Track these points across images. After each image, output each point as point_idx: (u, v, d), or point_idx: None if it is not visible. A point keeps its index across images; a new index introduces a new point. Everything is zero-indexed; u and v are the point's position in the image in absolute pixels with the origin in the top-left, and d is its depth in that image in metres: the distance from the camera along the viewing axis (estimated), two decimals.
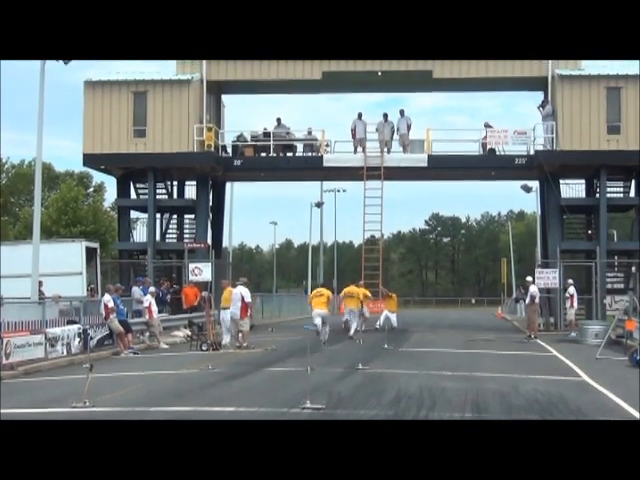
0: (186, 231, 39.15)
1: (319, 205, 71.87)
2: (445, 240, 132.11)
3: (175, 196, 39.18)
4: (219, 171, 36.45)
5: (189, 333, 27.29)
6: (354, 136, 36.48)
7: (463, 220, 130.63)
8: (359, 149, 36.53)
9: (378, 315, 34.01)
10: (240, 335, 25.34)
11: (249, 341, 25.35)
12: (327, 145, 37.25)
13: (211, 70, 35.90)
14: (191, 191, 38.21)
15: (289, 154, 37.26)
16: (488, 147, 35.70)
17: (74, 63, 25.60)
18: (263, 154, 37.01)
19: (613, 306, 33.07)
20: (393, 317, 33.84)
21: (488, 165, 36.19)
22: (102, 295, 26.17)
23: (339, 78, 36.51)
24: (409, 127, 36.39)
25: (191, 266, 33.78)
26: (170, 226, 39.29)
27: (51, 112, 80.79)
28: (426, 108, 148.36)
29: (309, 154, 37.05)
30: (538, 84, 36.23)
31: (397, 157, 36.22)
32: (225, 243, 48.65)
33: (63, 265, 29.71)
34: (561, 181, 35.90)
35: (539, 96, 36.87)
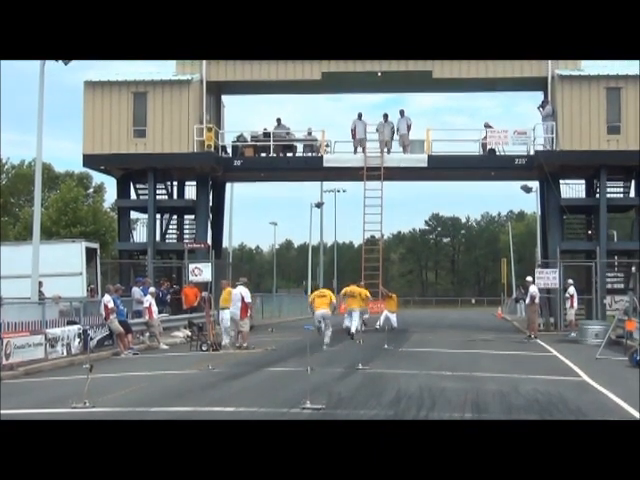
0: (186, 231, 39.17)
1: (319, 205, 71.91)
2: (445, 240, 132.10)
3: (175, 196, 39.20)
4: (219, 171, 36.46)
5: (189, 333, 27.28)
6: (354, 136, 36.50)
7: (463, 220, 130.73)
8: (359, 149, 36.53)
9: (378, 315, 34.01)
10: (240, 335, 25.35)
11: (249, 341, 25.36)
12: (327, 145, 37.28)
13: (211, 70, 35.91)
14: (191, 191, 38.23)
15: (289, 154, 37.27)
16: (488, 147, 35.71)
17: (74, 64, 25.59)
18: (263, 154, 37.02)
19: (613, 306, 33.08)
20: (393, 317, 33.85)
21: (488, 165, 36.20)
22: (102, 296, 26.17)
23: (339, 78, 36.53)
24: (409, 127, 36.40)
25: (191, 266, 33.80)
26: (170, 226, 39.31)
27: (51, 113, 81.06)
28: (426, 108, 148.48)
29: (309, 154, 37.06)
30: (538, 84, 36.25)
31: (397, 157, 36.24)
32: (225, 243, 48.69)
33: (63, 266, 29.70)
34: (561, 181, 35.91)
35: (539, 96, 36.90)
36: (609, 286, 34.95)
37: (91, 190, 68.91)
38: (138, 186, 37.39)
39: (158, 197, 36.87)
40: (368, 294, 31.96)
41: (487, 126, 36.33)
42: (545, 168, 33.88)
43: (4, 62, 34.46)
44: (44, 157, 31.28)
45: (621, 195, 36.85)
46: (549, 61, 34.08)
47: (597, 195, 35.40)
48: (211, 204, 38.00)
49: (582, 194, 37.34)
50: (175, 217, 39.34)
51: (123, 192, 37.60)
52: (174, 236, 39.25)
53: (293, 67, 35.69)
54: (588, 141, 33.83)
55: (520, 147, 35.83)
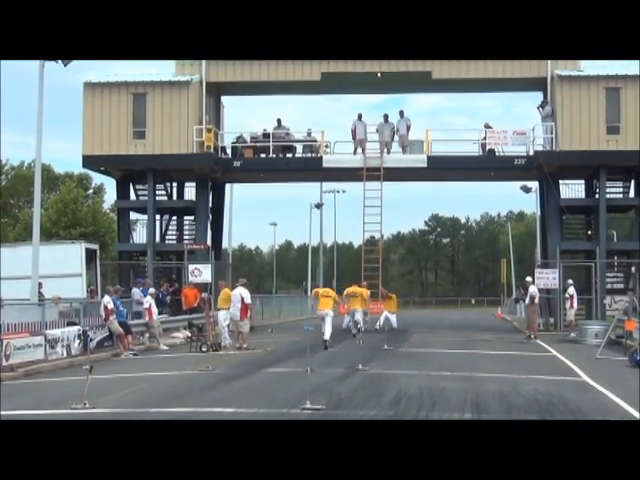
0: (186, 232, 39.18)
1: (319, 206, 71.93)
2: (445, 241, 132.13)
3: (175, 197, 39.22)
4: (218, 172, 36.46)
5: (189, 334, 27.27)
6: (354, 137, 36.51)
7: (463, 221, 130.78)
8: (358, 150, 36.54)
9: (378, 316, 34.02)
10: (240, 336, 25.36)
11: (249, 342, 25.36)
12: (326, 146, 37.28)
13: (210, 71, 35.92)
14: (191, 192, 38.23)
15: (288, 155, 37.28)
16: (487, 148, 35.73)
17: (73, 65, 25.63)
18: (262, 155, 37.03)
19: (613, 306, 33.09)
20: (393, 318, 33.84)
21: (487, 166, 36.21)
22: (102, 297, 26.18)
23: (338, 79, 36.55)
24: (408, 128, 36.41)
25: (191, 267, 33.81)
26: (170, 227, 39.32)
27: (51, 114, 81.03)
28: (426, 109, 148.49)
29: (308, 155, 37.07)
30: (537, 85, 36.27)
31: (396, 158, 36.24)
32: (225, 244, 48.67)
33: (63, 267, 29.71)
34: (560, 181, 35.91)
35: (538, 97, 36.90)
36: (609, 286, 34.96)
37: (91, 191, 68.88)
38: (138, 187, 37.39)
39: (158, 198, 36.87)
40: (369, 294, 32.10)
41: (487, 126, 36.34)
42: (545, 168, 33.89)
43: (3, 63, 34.41)
44: (44, 158, 31.33)
45: (620, 195, 36.86)
46: (548, 61, 34.10)
47: (597, 195, 35.41)
48: (211, 205, 38.01)
49: (582, 194, 37.34)
50: (175, 218, 39.34)
51: (123, 193, 37.61)
52: (174, 237, 39.25)
53: (292, 68, 35.70)
54: (587, 141, 33.84)
55: (519, 147, 35.85)
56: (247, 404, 13.64)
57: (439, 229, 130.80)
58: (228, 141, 37.99)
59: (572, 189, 37.12)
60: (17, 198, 73.92)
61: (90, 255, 32.16)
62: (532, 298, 30.52)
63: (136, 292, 29.88)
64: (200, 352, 24.21)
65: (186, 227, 39.31)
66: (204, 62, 35.49)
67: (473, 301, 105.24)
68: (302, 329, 16.87)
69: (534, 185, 47.64)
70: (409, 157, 35.98)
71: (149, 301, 27.11)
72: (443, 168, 36.23)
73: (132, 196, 37.78)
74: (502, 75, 35.25)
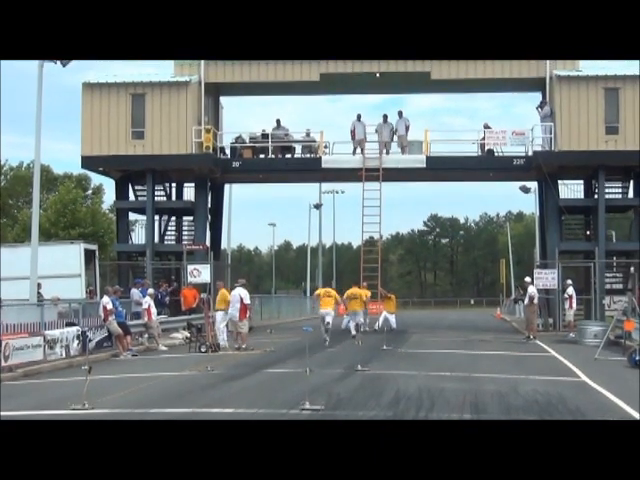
0: (185, 233, 39.17)
1: (318, 206, 71.95)
2: (444, 241, 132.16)
3: (174, 198, 39.21)
4: (217, 173, 36.47)
5: (188, 335, 27.27)
6: (353, 137, 36.52)
7: (462, 221, 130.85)
8: (357, 150, 36.55)
9: (377, 316, 34.03)
10: (239, 337, 25.36)
11: (248, 343, 25.36)
12: (325, 146, 37.27)
13: (209, 72, 35.92)
14: (190, 193, 38.23)
15: (287, 156, 37.29)
16: (486, 148, 35.75)
17: (72, 65, 25.62)
18: (261, 156, 37.04)
19: (612, 306, 33.10)
20: (392, 318, 33.84)
21: (486, 166, 36.24)
22: (101, 297, 26.18)
23: (337, 79, 36.56)
24: (407, 128, 36.44)
25: (190, 268, 33.81)
26: (169, 228, 39.33)
27: (50, 115, 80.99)
28: (425, 109, 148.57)
29: (307, 155, 37.08)
30: (536, 85, 36.29)
31: (395, 158, 36.27)
32: (224, 245, 48.65)
33: (62, 267, 29.70)
34: (559, 182, 35.94)
35: (538, 97, 36.91)
36: (608, 286, 34.96)
37: (90, 192, 68.85)
38: (137, 187, 37.40)
39: (157, 198, 36.87)
40: (369, 295, 32.21)
41: (486, 127, 36.36)
42: (543, 168, 33.90)
43: (2, 63, 34.39)
44: (43, 159, 31.39)
45: (619, 195, 36.89)
46: (547, 61, 34.12)
47: (595, 195, 35.43)
48: (210, 205, 38.03)
49: (580, 194, 37.36)
50: (174, 218, 39.35)
51: (122, 193, 37.61)
52: (173, 237, 39.26)
53: (291, 68, 35.72)
54: (586, 141, 33.86)
55: (518, 148, 35.89)
56: (246, 405, 13.64)
57: (438, 229, 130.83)
58: (227, 141, 38.06)
59: (571, 189, 37.15)
60: (16, 199, 73.91)
61: (89, 256, 32.17)
62: (531, 298, 30.51)
63: (135, 292, 29.89)
64: (199, 352, 24.21)
65: (185, 228, 39.32)
66: (203, 63, 35.51)
67: (472, 301, 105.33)
68: (301, 329, 16.87)
69: (533, 185, 47.58)
70: (408, 157, 36.00)
71: (148, 301, 27.11)
72: (442, 168, 36.24)
73: (131, 197, 37.79)
74: (501, 75, 35.28)
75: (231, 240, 61.64)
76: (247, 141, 37.31)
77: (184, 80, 35.37)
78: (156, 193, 36.83)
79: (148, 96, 35.28)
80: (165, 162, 35.16)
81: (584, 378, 17.83)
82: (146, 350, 26.12)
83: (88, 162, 36.13)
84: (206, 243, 36.59)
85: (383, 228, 38.16)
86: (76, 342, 22.68)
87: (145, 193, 36.26)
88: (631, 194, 36.24)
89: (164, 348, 26.50)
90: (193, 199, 37.16)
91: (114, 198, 38.86)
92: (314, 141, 37.14)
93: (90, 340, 23.27)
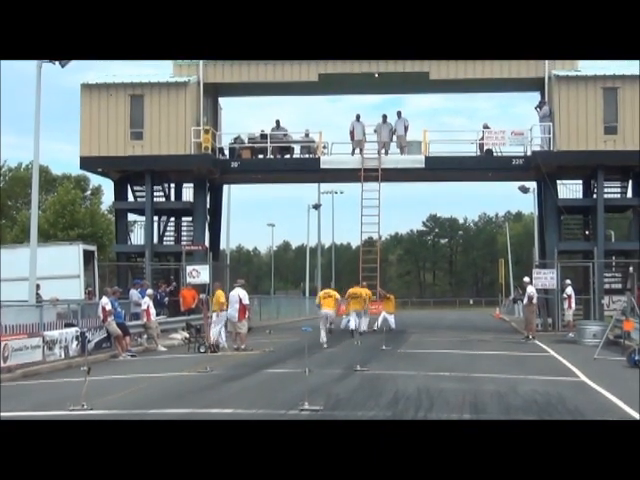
0: (184, 234, 39.15)
1: (316, 207, 71.95)
2: (443, 241, 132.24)
3: (172, 199, 39.19)
4: (216, 173, 36.46)
5: (187, 335, 27.27)
6: (352, 138, 36.52)
7: (461, 221, 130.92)
8: (356, 151, 36.55)
9: (376, 317, 34.02)
10: (238, 337, 25.35)
11: (247, 343, 25.35)
12: (324, 147, 37.26)
13: (208, 72, 35.92)
14: (188, 193, 38.22)
15: (286, 156, 37.29)
16: (485, 148, 35.75)
17: (71, 66, 25.60)
18: (260, 156, 37.04)
19: (611, 306, 33.08)
20: (391, 318, 33.83)
21: (485, 166, 36.23)
22: (100, 298, 26.16)
23: (336, 80, 36.56)
24: (406, 128, 36.46)
25: (189, 268, 33.79)
26: (168, 229, 39.31)
27: (49, 115, 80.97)
28: (424, 109, 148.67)
29: (306, 156, 37.09)
30: (535, 85, 36.30)
31: (394, 159, 36.28)
32: (223, 245, 48.69)
33: (60, 268, 29.68)
34: (558, 182, 35.94)
35: (536, 97, 36.92)
36: (607, 286, 34.95)
37: (88, 192, 68.86)
38: (135, 188, 37.39)
39: (155, 199, 36.85)
40: (370, 294, 32.30)
41: (486, 127, 36.37)
42: (542, 169, 33.91)
43: (1, 64, 34.36)
44: (41, 160, 31.36)
45: (618, 195, 36.91)
46: (546, 61, 34.12)
47: (594, 195, 35.44)
48: (208, 206, 38.02)
49: (579, 194, 37.36)
50: (172, 219, 39.34)
51: (120, 194, 37.61)
52: (172, 238, 39.23)
53: (290, 68, 35.72)
54: (585, 141, 33.87)
55: (517, 148, 35.90)
56: (245, 405, 13.63)
57: (437, 230, 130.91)
58: (226, 142, 38.07)
59: (570, 189, 37.15)
60: (15, 200, 73.89)
61: (88, 256, 32.15)
62: (530, 298, 30.51)
63: (134, 293, 29.89)
64: (198, 353, 24.21)
65: (184, 228, 39.30)
66: (201, 63, 35.52)
67: (471, 301, 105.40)
68: (300, 330, 16.87)
69: (532, 185, 47.64)
70: (407, 158, 36.01)
71: (147, 302, 27.10)
72: (441, 169, 36.24)
73: (130, 197, 37.77)
74: (499, 75, 35.28)
75: (230, 241, 61.70)
76: (246, 142, 37.32)
77: (183, 81, 35.36)
78: (155, 194, 36.82)
79: (147, 97, 35.27)
80: (164, 163, 35.14)
81: (583, 378, 17.83)
82: (145, 351, 26.11)
83: (87, 163, 36.12)
84: (205, 244, 36.59)
85: (382, 228, 38.26)
86: (75, 343, 22.68)
87: (144, 194, 36.25)
88: (630, 194, 36.25)
89: (163, 349, 26.50)
90: (192, 200, 37.15)
91: (113, 199, 38.86)
92: (313, 141, 37.14)
93: (89, 341, 23.27)
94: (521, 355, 24.28)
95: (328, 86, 38.00)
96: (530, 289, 30.82)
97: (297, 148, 37.59)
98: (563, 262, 34.95)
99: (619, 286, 35.46)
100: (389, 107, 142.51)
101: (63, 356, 21.96)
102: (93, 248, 33.83)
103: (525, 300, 31.26)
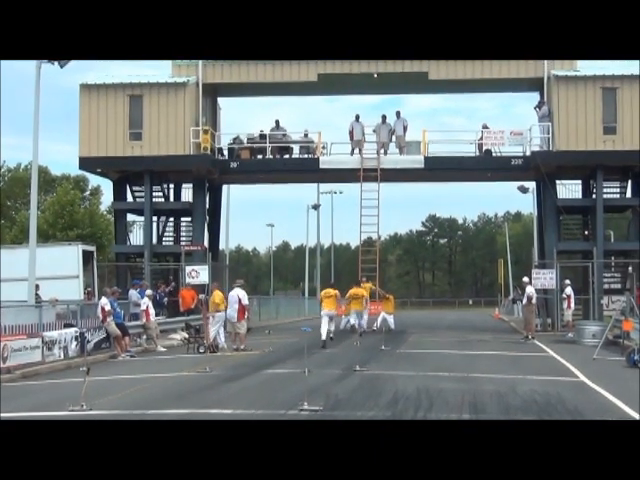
0: (183, 234, 39.14)
1: (316, 207, 71.97)
2: (442, 241, 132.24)
3: (172, 199, 39.17)
4: (215, 174, 36.45)
5: (186, 336, 27.26)
6: (352, 138, 36.52)
7: (460, 221, 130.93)
8: (355, 151, 36.55)
9: (375, 317, 34.02)
10: (237, 337, 25.35)
11: (246, 343, 25.35)
12: (323, 147, 37.25)
13: (207, 73, 35.91)
14: (188, 194, 38.20)
15: (285, 156, 37.28)
16: (484, 148, 35.74)
17: (70, 66, 25.56)
18: (259, 156, 37.03)
19: (610, 306, 33.07)
20: (390, 319, 33.83)
21: (484, 166, 36.22)
22: (99, 298, 26.15)
23: (335, 80, 36.55)
24: (405, 129, 36.46)
25: (188, 269, 33.77)
26: (167, 229, 39.31)
27: (48, 116, 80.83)
28: (423, 110, 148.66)
29: (305, 156, 37.08)
30: (534, 85, 36.29)
31: (393, 159, 36.28)
32: (222, 246, 48.72)
33: (60, 269, 29.67)
34: (557, 182, 35.95)
35: (535, 97, 36.92)
36: (606, 286, 34.95)
37: (87, 193, 68.83)
38: (134, 189, 37.38)
39: (154, 200, 36.84)
40: (371, 286, 32.62)
41: (485, 127, 36.37)
42: (541, 169, 33.91)
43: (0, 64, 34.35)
44: (40, 160, 31.38)
45: (617, 195, 36.92)
46: (545, 62, 34.11)
47: (594, 195, 35.44)
48: (208, 206, 38.00)
49: (578, 194, 37.35)
50: (172, 220, 39.34)
51: (119, 195, 37.60)
52: (171, 239, 39.22)
53: (289, 69, 35.71)
54: (584, 141, 33.87)
55: (516, 148, 35.90)
56: (245, 405, 13.63)
57: (436, 230, 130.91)
58: (225, 142, 38.07)
59: (569, 189, 37.15)
60: (14, 200, 73.85)
61: (87, 257, 32.15)
62: (529, 298, 30.50)
63: (133, 294, 29.87)
64: (198, 353, 24.20)
65: (183, 229, 39.30)
66: (200, 63, 35.51)
67: (470, 302, 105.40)
68: (299, 330, 16.86)
69: (531, 185, 47.67)
70: (406, 158, 36.01)
71: (146, 303, 27.09)
72: (440, 169, 36.23)
73: (129, 198, 37.77)
74: (498, 75, 35.27)
75: (229, 241, 61.72)
76: (245, 142, 37.31)
77: (182, 81, 35.34)
78: (154, 194, 36.81)
79: (146, 97, 35.25)
80: (163, 163, 35.12)
81: (582, 378, 17.83)
82: (144, 351, 26.11)
83: (86, 163, 36.11)
84: (204, 244, 36.57)
85: (381, 228, 38.16)
86: (74, 343, 22.67)
87: (143, 194, 36.25)
88: (629, 194, 36.26)
89: (162, 349, 26.49)
90: (191, 200, 37.14)
91: (112, 199, 38.84)
92: (312, 142, 37.13)
93: (88, 341, 23.26)
94: (520, 355, 24.27)
95: (327, 86, 37.99)
96: (529, 289, 30.81)
97: (296, 148, 37.58)
98: (562, 262, 34.95)
99: (618, 286, 35.46)
100: (388, 107, 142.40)
101: (62, 356, 21.95)
102: (92, 248, 33.82)
103: (524, 300, 31.25)
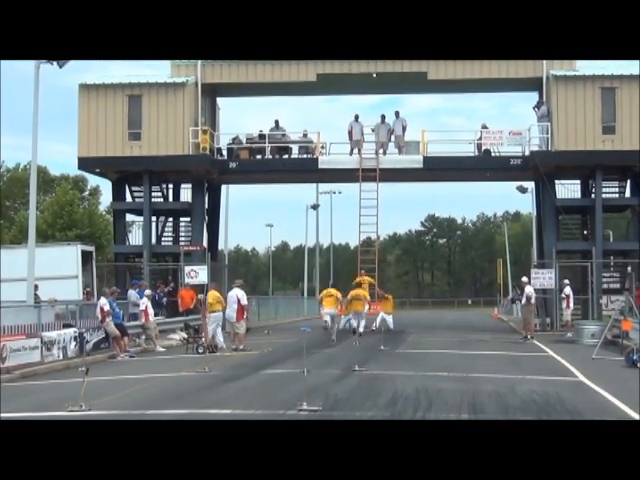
0: (182, 234, 39.13)
1: (315, 207, 71.94)
2: (441, 241, 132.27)
3: (171, 199, 39.15)
4: (214, 174, 36.44)
5: (185, 336, 27.26)
6: (351, 138, 36.52)
7: (459, 221, 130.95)
8: (354, 151, 36.54)
9: (374, 317, 34.01)
10: (236, 338, 25.33)
11: (245, 343, 25.34)
12: (322, 147, 37.24)
13: (206, 73, 35.90)
14: (187, 194, 38.19)
15: (284, 156, 37.27)
16: (483, 148, 35.74)
17: (69, 66, 25.58)
18: (258, 156, 37.02)
19: (609, 306, 33.08)
20: (389, 319, 33.83)
21: (483, 166, 36.23)
22: (98, 298, 26.14)
23: (334, 80, 36.55)
24: (404, 129, 36.46)
25: (187, 269, 33.76)
26: (166, 229, 39.28)
27: (47, 116, 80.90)
28: (422, 109, 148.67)
29: (304, 156, 37.07)
30: (533, 85, 36.27)
31: (392, 159, 36.27)
32: (221, 246, 48.69)
33: (59, 269, 29.67)
34: (556, 182, 35.96)
35: (534, 97, 36.91)
36: (605, 286, 34.97)
37: (86, 193, 68.80)
38: (133, 189, 37.37)
39: (154, 200, 36.82)
40: (372, 281, 32.68)
41: (484, 127, 36.37)
42: (540, 168, 33.91)
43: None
44: (39, 160, 31.33)
45: (617, 195, 36.92)
46: (544, 61, 34.10)
47: (592, 195, 35.45)
48: (207, 206, 38.00)
49: (577, 194, 37.38)
50: (171, 220, 39.32)
51: (118, 195, 37.59)
52: (170, 239, 39.20)
53: (288, 69, 35.70)
54: (583, 141, 33.87)
55: (515, 148, 35.91)
56: (244, 405, 13.63)
57: (435, 230, 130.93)
58: (224, 142, 38.05)
59: (568, 189, 37.18)
60: (13, 200, 73.80)
61: (86, 257, 32.14)
62: (528, 298, 30.50)
63: (132, 294, 29.86)
64: (196, 354, 24.19)
65: (182, 229, 39.29)
66: (199, 63, 35.50)
67: (469, 301, 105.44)
68: (299, 330, 16.86)
69: (530, 185, 47.66)
70: (405, 158, 36.00)
71: (145, 303, 27.09)
72: (439, 169, 36.24)
73: (128, 198, 37.76)
74: (497, 75, 35.27)
75: (228, 241, 61.65)
76: (244, 142, 37.30)
77: (181, 81, 35.33)
78: (153, 194, 36.80)
79: (145, 97, 35.24)
80: (162, 163, 35.10)
81: (582, 378, 17.83)
82: (143, 351, 26.10)
83: (85, 163, 36.10)
84: (203, 244, 36.56)
85: (380, 228, 38.09)
86: (73, 344, 22.66)
87: (142, 194, 36.23)
88: (628, 194, 36.26)
89: (161, 349, 26.48)
90: (190, 200, 37.12)
91: (111, 199, 38.82)
92: (311, 142, 37.12)
93: (87, 341, 23.25)
94: (519, 355, 24.27)
95: (326, 86, 37.99)
96: (528, 289, 30.81)
97: (295, 148, 37.56)
98: (561, 262, 34.95)
99: (617, 286, 35.49)
100: (387, 107, 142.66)
101: (61, 357, 21.95)
102: (91, 248, 33.81)
103: (523, 300, 31.25)
